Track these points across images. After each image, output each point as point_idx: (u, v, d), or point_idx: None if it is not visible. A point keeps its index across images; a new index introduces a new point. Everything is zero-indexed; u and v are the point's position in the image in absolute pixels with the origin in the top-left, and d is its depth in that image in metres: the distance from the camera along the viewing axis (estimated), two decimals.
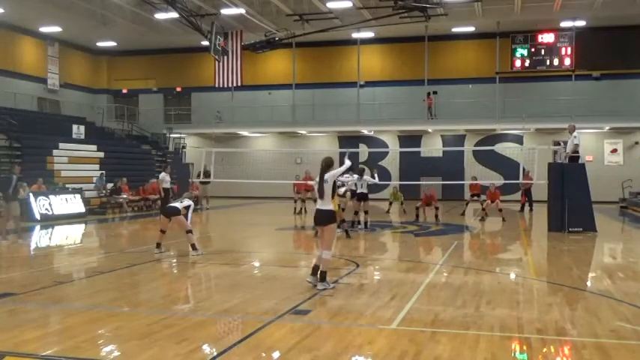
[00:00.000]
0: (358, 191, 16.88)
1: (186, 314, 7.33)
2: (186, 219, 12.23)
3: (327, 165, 8.97)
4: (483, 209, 21.40)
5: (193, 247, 12.14)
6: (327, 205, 8.83)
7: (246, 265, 11.79)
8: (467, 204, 23.29)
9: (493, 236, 17.45)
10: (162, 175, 20.67)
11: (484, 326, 6.76)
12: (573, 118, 26.95)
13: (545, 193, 17.11)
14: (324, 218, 8.82)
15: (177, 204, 12.42)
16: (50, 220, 19.98)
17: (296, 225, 19.47)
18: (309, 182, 22.76)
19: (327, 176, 8.88)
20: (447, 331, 6.49)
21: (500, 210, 20.58)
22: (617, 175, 30.10)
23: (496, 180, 24.02)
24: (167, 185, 20.37)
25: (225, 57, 26.32)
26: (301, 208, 23.18)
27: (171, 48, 35.19)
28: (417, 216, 20.54)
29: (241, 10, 27.98)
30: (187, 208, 12.29)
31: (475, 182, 22.50)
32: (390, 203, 24.59)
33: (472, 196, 22.39)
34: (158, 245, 12.44)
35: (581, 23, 30.17)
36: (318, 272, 8.68)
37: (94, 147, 28.01)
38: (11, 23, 29.88)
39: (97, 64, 37.90)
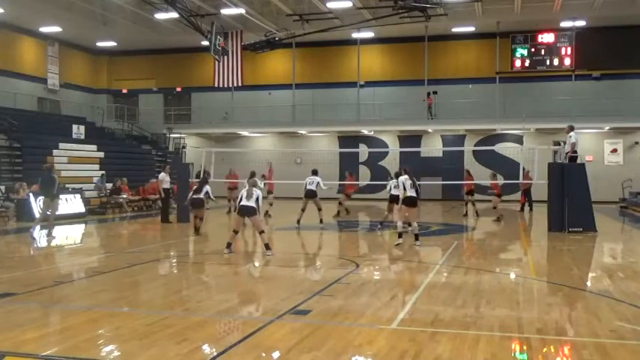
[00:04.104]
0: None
1: (186, 314, 7.33)
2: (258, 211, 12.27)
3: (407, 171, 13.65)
4: (472, 204, 21.32)
5: (267, 246, 12.12)
6: (414, 193, 13.12)
7: (246, 265, 11.78)
8: (466, 204, 22.74)
9: (493, 236, 17.45)
10: (162, 175, 20.64)
11: (484, 326, 6.76)
12: (573, 118, 26.93)
13: (545, 193, 17.10)
14: (414, 202, 13.25)
15: (251, 203, 12.06)
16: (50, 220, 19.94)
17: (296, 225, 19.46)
18: (234, 180, 22.81)
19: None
20: (447, 331, 6.49)
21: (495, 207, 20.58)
22: (617, 175, 30.10)
23: (499, 180, 23.92)
24: (167, 185, 20.35)
25: (225, 57, 26.33)
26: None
27: (171, 48, 35.19)
28: None
29: (241, 10, 27.99)
30: (257, 200, 12.17)
31: (470, 182, 21.88)
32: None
33: (467, 193, 21.80)
34: (228, 245, 12.35)
35: (581, 23, 30.17)
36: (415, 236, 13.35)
37: (94, 147, 28.02)
38: (11, 23, 29.88)
39: (97, 64, 37.90)
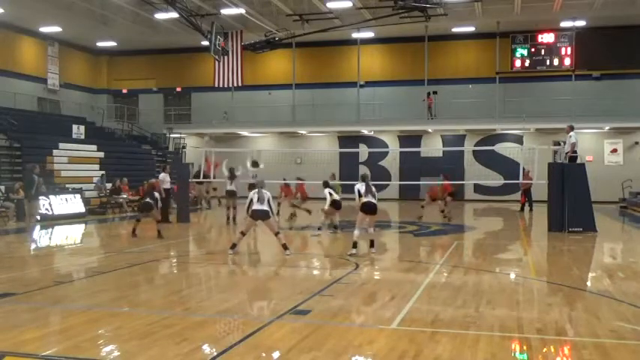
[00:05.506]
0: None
1: (186, 314, 7.33)
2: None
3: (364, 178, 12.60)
4: (422, 206, 20.77)
5: (285, 246, 12.02)
6: (371, 198, 12.24)
7: (246, 265, 11.78)
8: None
9: (493, 236, 17.45)
10: (163, 175, 20.63)
11: (484, 326, 6.76)
12: (573, 118, 26.90)
13: (545, 193, 17.10)
14: (373, 209, 12.30)
15: (264, 206, 11.88)
16: (50, 220, 19.96)
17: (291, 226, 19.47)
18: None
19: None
20: (447, 331, 6.49)
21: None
22: (617, 175, 30.08)
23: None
24: (167, 185, 20.34)
25: (225, 57, 26.31)
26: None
27: (172, 48, 35.17)
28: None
29: (241, 10, 27.99)
30: (269, 202, 12.02)
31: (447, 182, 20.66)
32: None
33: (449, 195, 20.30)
34: (234, 246, 12.24)
35: (581, 23, 30.17)
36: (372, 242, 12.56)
37: (94, 147, 28.01)
38: (11, 23, 29.87)
39: (97, 64, 37.91)
